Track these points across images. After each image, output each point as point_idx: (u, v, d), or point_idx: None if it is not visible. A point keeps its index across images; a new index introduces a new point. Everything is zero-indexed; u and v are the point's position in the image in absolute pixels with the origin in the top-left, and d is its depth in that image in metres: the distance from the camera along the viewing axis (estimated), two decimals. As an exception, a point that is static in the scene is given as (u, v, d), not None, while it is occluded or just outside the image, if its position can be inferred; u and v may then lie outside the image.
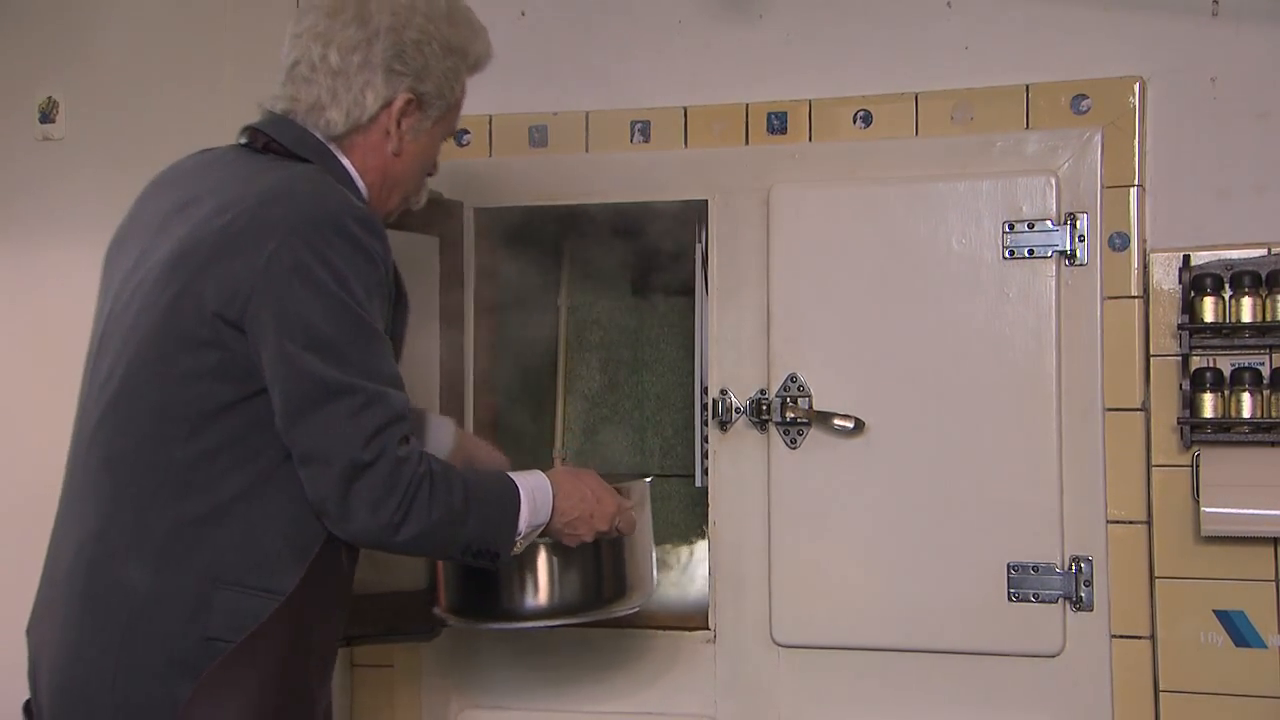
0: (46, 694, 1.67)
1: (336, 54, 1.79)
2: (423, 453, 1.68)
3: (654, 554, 2.19)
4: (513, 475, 1.82)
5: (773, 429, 2.41)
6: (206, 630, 1.60)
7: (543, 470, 1.88)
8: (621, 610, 2.09)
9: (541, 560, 2.01)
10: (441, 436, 2.13)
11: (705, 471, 2.52)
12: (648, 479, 2.16)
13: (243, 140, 1.85)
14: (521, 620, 2.06)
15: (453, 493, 1.68)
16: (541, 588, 2.03)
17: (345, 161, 1.82)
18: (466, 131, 2.59)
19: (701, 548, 2.66)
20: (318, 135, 1.82)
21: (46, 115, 2.87)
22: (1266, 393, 2.23)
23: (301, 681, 1.68)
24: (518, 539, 1.79)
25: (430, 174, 1.95)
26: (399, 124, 1.82)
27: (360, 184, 1.83)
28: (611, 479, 2.00)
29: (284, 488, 1.65)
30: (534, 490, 1.81)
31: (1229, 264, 2.26)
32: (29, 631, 1.75)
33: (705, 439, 2.52)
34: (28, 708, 1.74)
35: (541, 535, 1.86)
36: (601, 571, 2.07)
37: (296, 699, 1.68)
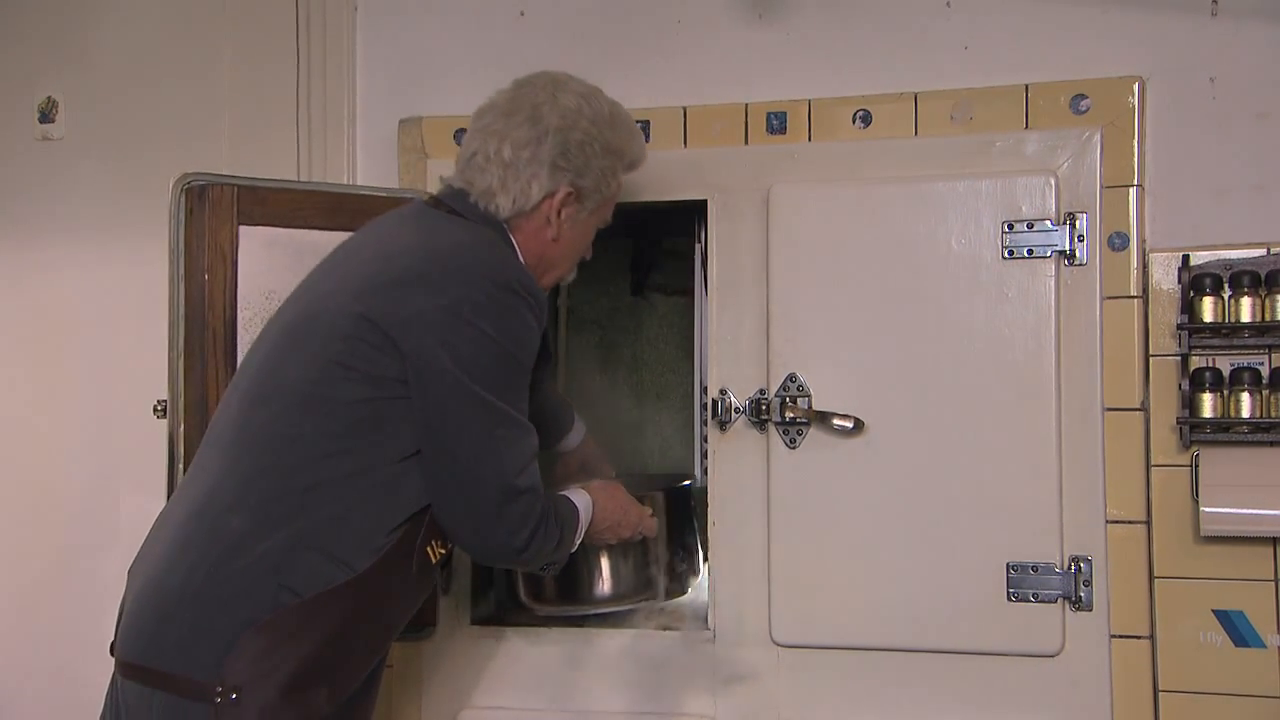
0: (131, 599, 1.87)
1: (510, 149, 2.02)
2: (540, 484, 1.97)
3: (696, 548, 2.52)
4: (570, 496, 2.12)
5: (772, 429, 2.41)
6: (284, 580, 1.79)
7: (585, 485, 2.20)
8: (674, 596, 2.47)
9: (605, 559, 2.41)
10: (575, 435, 2.43)
11: (704, 471, 2.52)
12: (686, 483, 2.53)
13: (427, 202, 2.10)
14: (594, 605, 2.44)
15: (556, 522, 2.00)
16: (607, 579, 2.42)
17: (512, 239, 2.05)
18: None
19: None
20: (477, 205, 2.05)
21: (46, 115, 2.88)
22: (1266, 392, 2.23)
23: (346, 652, 1.85)
24: (571, 549, 2.10)
25: (586, 258, 2.18)
26: (559, 213, 2.04)
27: (521, 260, 2.04)
28: (645, 481, 2.43)
29: (381, 482, 1.86)
30: (584, 510, 2.12)
31: (1228, 264, 2.26)
32: (130, 572, 1.92)
33: (704, 438, 2.52)
34: (112, 648, 1.90)
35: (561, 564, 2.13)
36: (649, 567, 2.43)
37: (335, 665, 1.84)
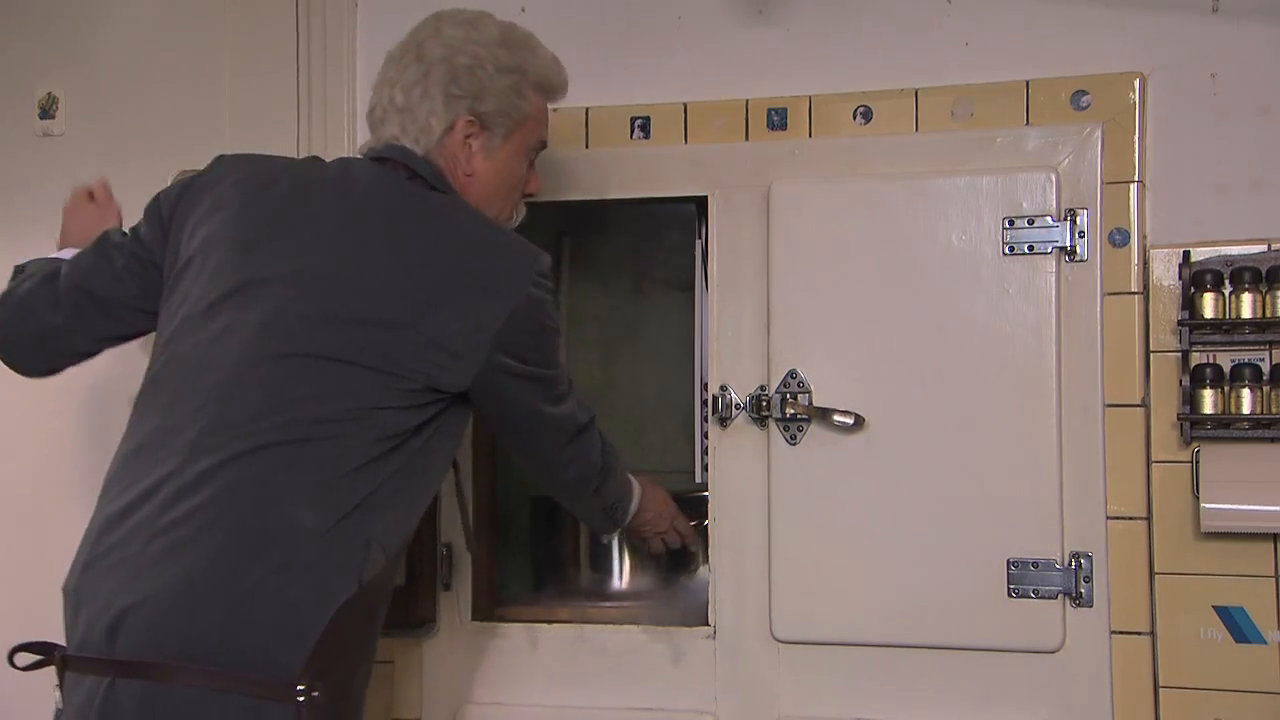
0: (161, 591, 1.70)
1: (400, 93, 1.97)
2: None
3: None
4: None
5: (773, 425, 2.41)
6: (351, 572, 1.74)
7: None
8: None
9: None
10: None
11: (705, 468, 2.52)
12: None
13: (368, 156, 2.01)
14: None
15: (607, 452, 2.17)
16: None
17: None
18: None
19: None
20: (424, 160, 1.98)
21: (46, 111, 2.88)
22: (1266, 389, 2.23)
23: (375, 639, 1.88)
24: (628, 518, 2.29)
25: (530, 192, 2.12)
26: (467, 144, 1.98)
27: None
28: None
29: (421, 468, 1.86)
30: (635, 485, 2.30)
31: (1229, 260, 2.26)
32: (79, 584, 1.78)
33: (705, 435, 2.52)
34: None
35: (621, 527, 2.31)
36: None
37: (370, 654, 1.87)
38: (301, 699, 1.66)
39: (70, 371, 2.17)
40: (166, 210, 2.00)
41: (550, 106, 2.14)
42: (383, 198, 1.93)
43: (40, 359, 2.10)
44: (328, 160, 2.06)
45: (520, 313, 1.87)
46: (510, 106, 2.00)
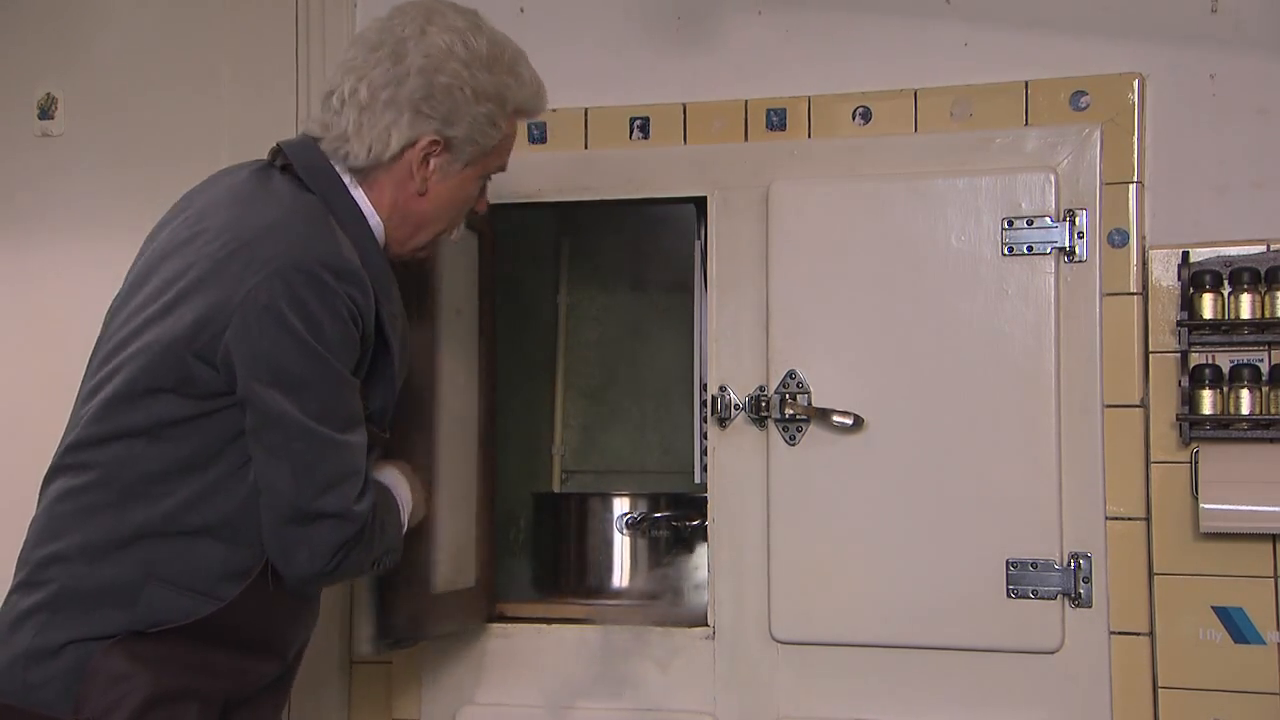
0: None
1: (366, 89, 1.82)
2: (367, 510, 1.76)
3: None
4: (389, 484, 1.94)
5: (772, 426, 2.41)
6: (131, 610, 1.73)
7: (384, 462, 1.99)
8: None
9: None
10: None
11: (704, 468, 2.52)
12: None
13: (266, 157, 1.90)
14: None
15: (379, 537, 1.82)
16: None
17: (359, 194, 1.86)
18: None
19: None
20: (336, 166, 1.86)
21: (45, 111, 2.87)
22: (1265, 389, 2.23)
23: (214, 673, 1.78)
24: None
25: (477, 211, 1.99)
26: (426, 164, 1.85)
27: (373, 219, 1.87)
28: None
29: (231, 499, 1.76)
30: (404, 501, 1.97)
31: (1228, 260, 2.26)
32: None
33: (704, 436, 2.52)
34: None
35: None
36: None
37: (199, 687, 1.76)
38: None
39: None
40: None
41: (550, 107, 2.12)
42: (215, 198, 1.87)
43: None
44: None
45: (251, 302, 1.70)
46: (480, 134, 1.86)
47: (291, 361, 1.68)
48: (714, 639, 2.45)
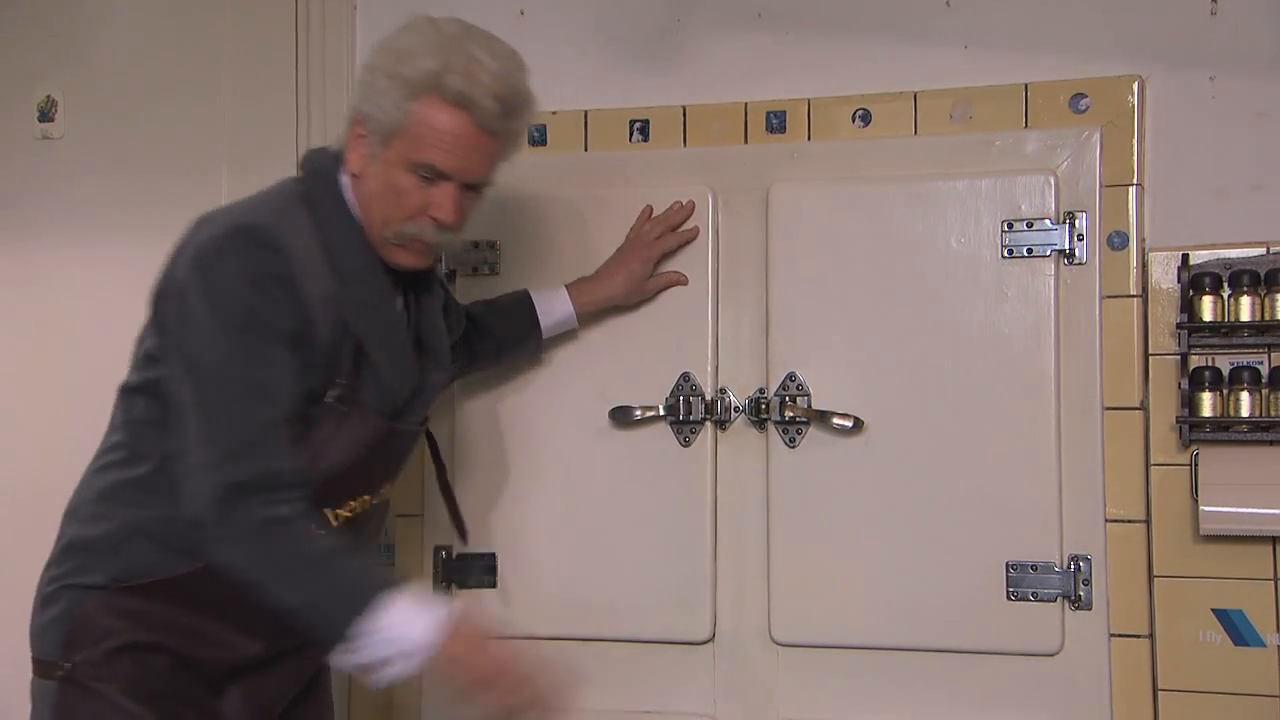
0: None
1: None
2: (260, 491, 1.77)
3: None
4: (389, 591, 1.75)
5: (771, 428, 2.41)
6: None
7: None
8: None
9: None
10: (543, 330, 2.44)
11: (704, 470, 2.51)
12: None
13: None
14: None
15: (304, 560, 1.77)
16: None
17: (344, 179, 1.96)
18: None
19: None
20: (341, 168, 1.97)
21: (45, 114, 2.88)
22: (1265, 391, 2.23)
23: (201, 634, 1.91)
24: (355, 644, 1.72)
25: (437, 218, 1.90)
26: (355, 145, 1.93)
27: (351, 199, 1.96)
28: None
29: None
30: (396, 605, 1.73)
31: (1228, 263, 2.26)
32: None
33: (704, 437, 2.52)
34: None
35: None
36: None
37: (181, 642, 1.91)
38: (60, 674, 1.85)
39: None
40: None
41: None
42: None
43: None
44: None
45: (174, 271, 1.87)
46: (380, 111, 1.87)
47: (201, 350, 1.80)
48: (714, 641, 2.45)
